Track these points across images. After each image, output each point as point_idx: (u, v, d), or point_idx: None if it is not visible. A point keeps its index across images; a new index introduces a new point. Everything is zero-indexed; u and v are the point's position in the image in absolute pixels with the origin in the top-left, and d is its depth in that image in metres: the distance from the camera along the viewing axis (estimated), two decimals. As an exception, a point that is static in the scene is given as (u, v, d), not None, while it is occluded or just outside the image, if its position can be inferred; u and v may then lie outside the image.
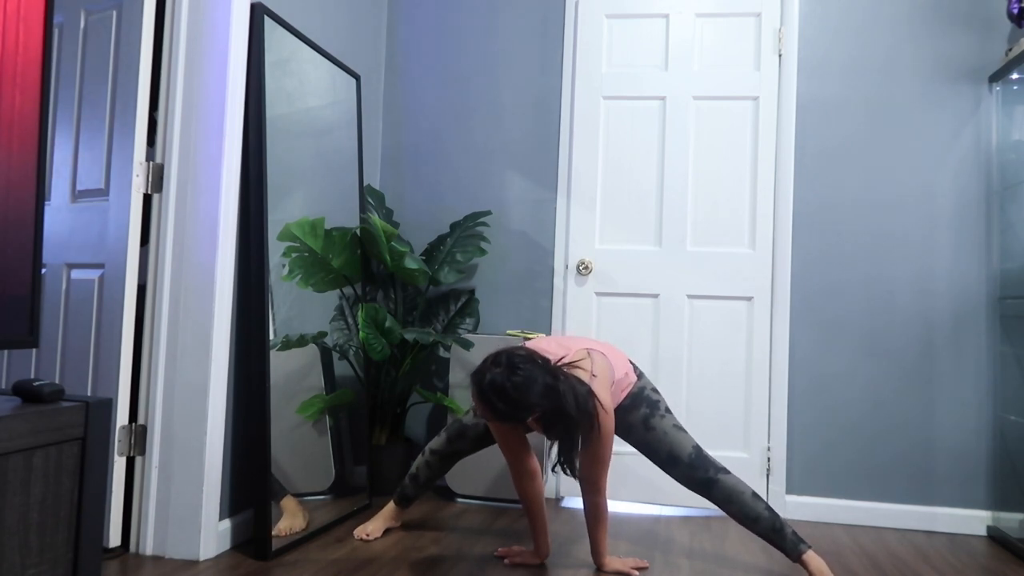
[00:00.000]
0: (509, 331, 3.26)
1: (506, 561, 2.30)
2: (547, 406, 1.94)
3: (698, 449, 2.25)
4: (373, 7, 3.33)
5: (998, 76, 2.90)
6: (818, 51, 3.11)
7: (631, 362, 2.37)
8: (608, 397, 2.10)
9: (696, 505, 3.06)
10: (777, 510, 3.00)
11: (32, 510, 1.35)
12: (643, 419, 2.27)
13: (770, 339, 3.06)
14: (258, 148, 2.35)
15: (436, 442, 2.50)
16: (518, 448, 2.19)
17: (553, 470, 2.08)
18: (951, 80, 3.01)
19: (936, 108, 3.01)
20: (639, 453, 3.10)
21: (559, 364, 2.03)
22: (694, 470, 2.23)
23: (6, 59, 1.39)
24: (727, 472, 2.24)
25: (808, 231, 3.07)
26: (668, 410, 2.30)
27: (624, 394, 2.27)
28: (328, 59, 2.82)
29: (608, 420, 2.07)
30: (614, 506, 3.08)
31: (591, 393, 2.01)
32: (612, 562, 2.26)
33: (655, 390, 2.33)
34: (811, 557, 2.18)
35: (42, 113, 1.48)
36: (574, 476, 2.08)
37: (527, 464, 2.22)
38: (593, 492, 2.18)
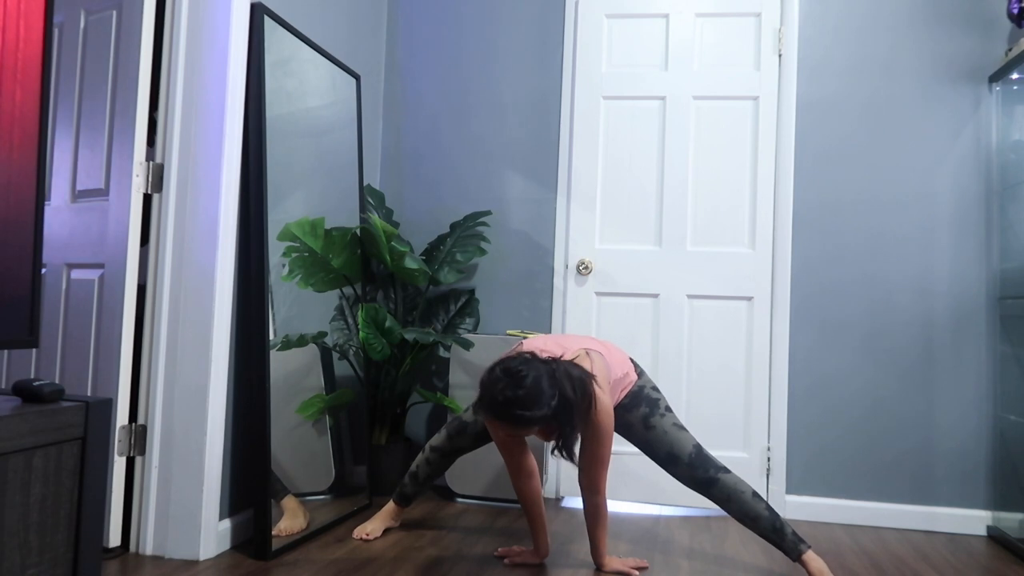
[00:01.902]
0: (509, 331, 3.26)
1: (506, 561, 2.30)
2: (558, 403, 1.93)
3: (698, 448, 2.25)
4: (373, 7, 3.33)
5: (998, 76, 2.90)
6: (818, 51, 3.11)
7: (631, 360, 2.37)
8: (607, 397, 2.10)
9: (696, 505, 3.06)
10: (777, 510, 2.99)
11: (32, 510, 1.35)
12: (643, 418, 2.27)
13: (770, 339, 3.06)
14: (258, 148, 2.35)
15: (436, 439, 2.50)
16: (515, 447, 2.19)
17: (552, 453, 2.06)
18: (951, 80, 3.01)
19: (936, 108, 3.01)
20: (639, 453, 3.11)
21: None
22: (694, 469, 2.23)
23: (6, 56, 1.39)
24: (727, 471, 2.24)
25: (808, 231, 3.07)
26: (668, 408, 2.30)
27: (623, 393, 2.27)
28: (328, 59, 2.82)
29: (607, 420, 2.07)
30: (614, 506, 3.08)
31: (588, 375, 2.00)
32: (612, 562, 2.26)
33: (655, 388, 2.32)
34: (811, 557, 2.18)
35: (42, 112, 1.47)
36: (573, 462, 2.06)
37: (524, 463, 2.22)
38: (593, 492, 2.18)
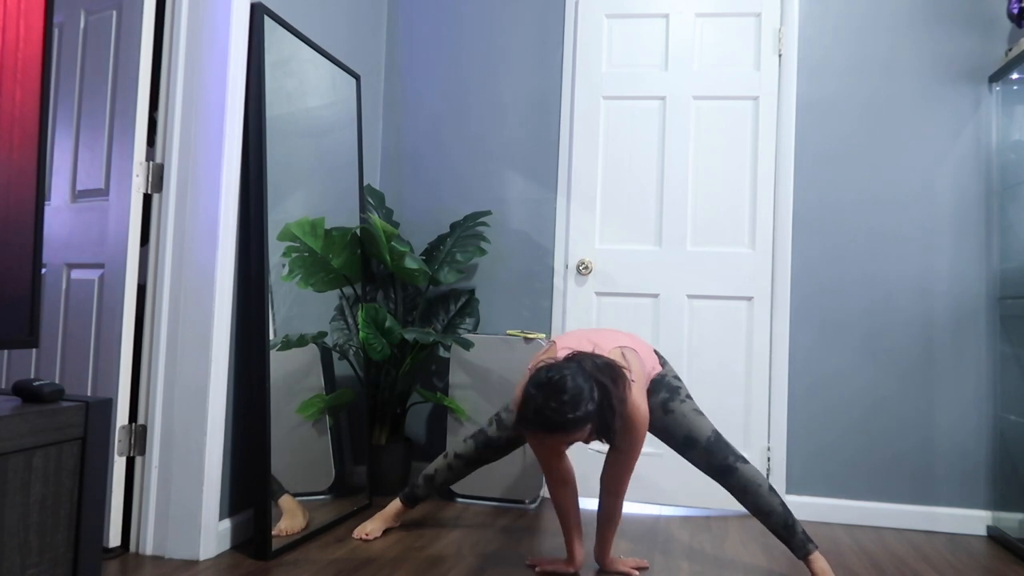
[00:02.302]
0: (509, 331, 3.26)
1: (537, 569, 2.24)
2: (599, 394, 1.90)
3: (717, 434, 2.23)
4: (373, 7, 3.33)
5: (998, 76, 2.90)
6: (818, 51, 3.11)
7: (656, 352, 2.36)
8: (642, 400, 2.07)
9: (696, 505, 3.06)
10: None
11: (32, 510, 1.35)
12: (662, 403, 2.25)
13: (770, 339, 3.06)
14: (258, 148, 2.35)
15: (462, 448, 2.48)
16: (555, 455, 2.14)
17: (587, 442, 2.02)
18: (951, 80, 3.01)
19: (936, 108, 3.01)
20: (640, 453, 3.10)
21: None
22: (712, 454, 2.21)
23: (6, 55, 1.39)
24: (746, 461, 2.22)
25: (808, 231, 3.07)
26: (689, 396, 2.29)
27: (646, 382, 2.26)
28: (328, 59, 2.82)
29: (642, 424, 2.05)
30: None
31: (612, 361, 1.98)
32: (615, 562, 2.26)
33: (676, 377, 2.32)
34: (817, 558, 2.17)
35: (42, 111, 1.47)
36: (612, 444, 2.03)
37: (561, 470, 2.17)
38: (614, 494, 2.17)
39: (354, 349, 2.87)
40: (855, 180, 3.05)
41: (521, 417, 1.89)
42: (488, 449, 2.45)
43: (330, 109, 2.82)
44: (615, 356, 2.12)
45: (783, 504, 2.20)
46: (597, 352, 2.11)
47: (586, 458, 3.15)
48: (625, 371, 2.00)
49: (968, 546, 2.71)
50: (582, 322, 3.20)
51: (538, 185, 3.30)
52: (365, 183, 3.24)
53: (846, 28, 3.09)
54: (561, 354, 2.11)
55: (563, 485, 2.19)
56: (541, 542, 2.53)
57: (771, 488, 2.21)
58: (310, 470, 2.51)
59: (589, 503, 3.07)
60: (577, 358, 1.96)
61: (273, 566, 2.18)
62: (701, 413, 2.26)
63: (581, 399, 1.86)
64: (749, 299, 3.09)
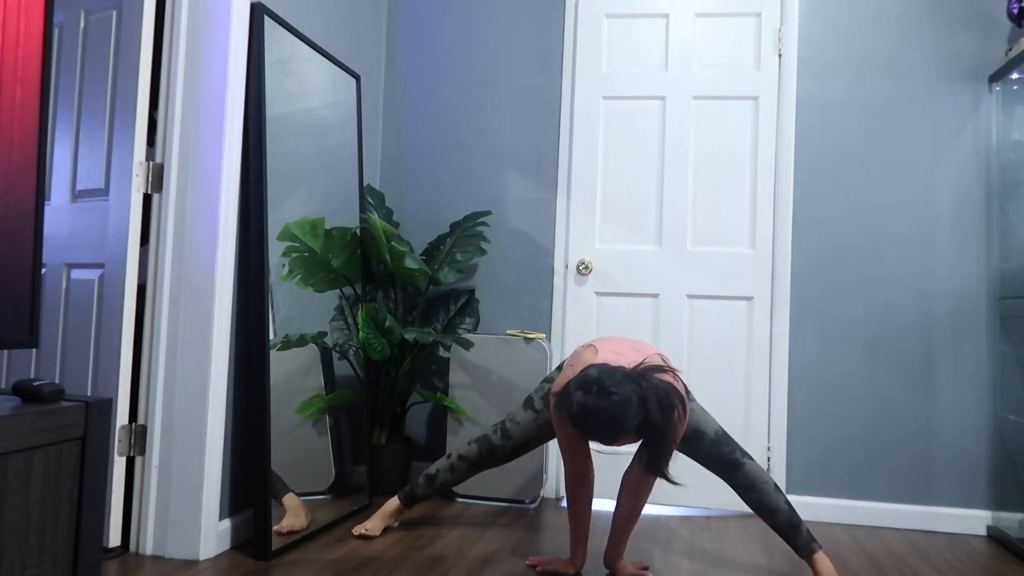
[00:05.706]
0: (509, 331, 3.26)
1: (538, 569, 2.24)
2: (642, 419, 1.89)
3: (724, 431, 2.23)
4: (373, 7, 3.33)
5: (998, 76, 2.90)
6: (818, 51, 3.11)
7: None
8: (686, 409, 2.05)
9: (696, 505, 3.06)
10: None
11: (32, 510, 1.35)
12: None
13: (770, 339, 3.06)
14: (258, 148, 2.35)
15: (466, 451, 2.48)
16: (580, 452, 2.13)
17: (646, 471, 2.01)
18: (951, 80, 3.01)
19: (936, 108, 3.01)
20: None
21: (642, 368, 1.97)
22: (719, 447, 2.20)
23: (7, 53, 1.39)
24: (752, 459, 2.22)
25: (808, 231, 3.07)
26: (694, 399, 2.29)
27: None
28: (328, 59, 2.82)
29: (681, 430, 2.04)
30: (611, 505, 3.08)
31: (674, 394, 1.93)
32: (626, 566, 2.24)
33: (685, 384, 2.33)
34: (821, 558, 2.16)
35: (42, 111, 1.47)
36: (665, 478, 2.02)
37: (585, 470, 2.15)
38: (636, 496, 2.16)
39: (354, 349, 2.87)
40: (855, 179, 3.05)
41: (563, 395, 1.88)
42: (491, 456, 2.45)
43: (330, 109, 2.82)
44: (656, 361, 2.07)
45: (788, 502, 2.20)
46: (646, 360, 2.05)
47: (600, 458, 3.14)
48: (683, 395, 1.96)
49: (968, 546, 2.71)
50: (582, 322, 3.20)
51: (538, 185, 3.30)
52: (365, 183, 3.24)
53: (846, 28, 3.09)
54: (608, 357, 2.06)
55: (583, 484, 2.17)
56: (541, 542, 2.53)
57: (776, 487, 2.20)
58: (310, 470, 2.51)
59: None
60: (643, 382, 1.90)
61: (273, 566, 2.18)
62: (707, 412, 2.27)
63: (620, 424, 1.84)
64: (749, 299, 3.09)
